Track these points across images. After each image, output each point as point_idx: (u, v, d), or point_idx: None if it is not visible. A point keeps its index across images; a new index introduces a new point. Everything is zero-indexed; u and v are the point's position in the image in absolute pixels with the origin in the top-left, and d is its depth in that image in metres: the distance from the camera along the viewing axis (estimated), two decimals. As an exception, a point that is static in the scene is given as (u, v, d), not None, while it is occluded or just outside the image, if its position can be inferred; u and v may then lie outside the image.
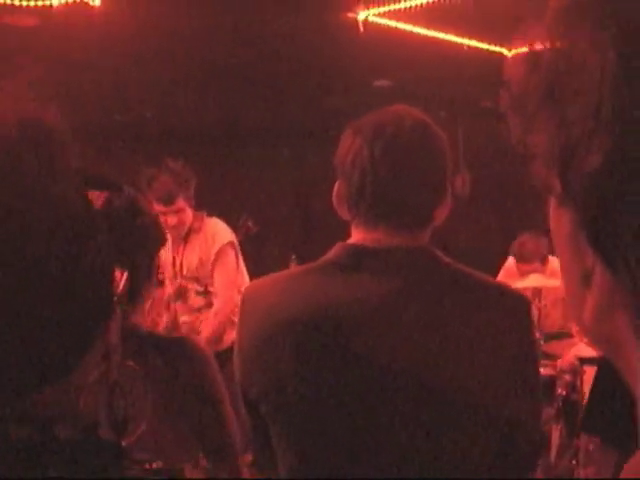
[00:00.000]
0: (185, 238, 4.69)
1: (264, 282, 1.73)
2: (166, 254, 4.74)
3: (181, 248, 4.72)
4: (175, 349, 1.80)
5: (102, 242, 0.84)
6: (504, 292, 1.65)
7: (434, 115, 1.71)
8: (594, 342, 0.59)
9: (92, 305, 0.83)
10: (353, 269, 1.60)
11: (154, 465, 0.81)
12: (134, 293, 1.72)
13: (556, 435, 4.49)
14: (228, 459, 1.86)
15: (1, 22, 5.03)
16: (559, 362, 4.37)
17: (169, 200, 4.46)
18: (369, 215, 1.63)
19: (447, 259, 1.62)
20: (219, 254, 4.64)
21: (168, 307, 4.70)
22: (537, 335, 4.15)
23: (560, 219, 0.56)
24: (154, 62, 5.87)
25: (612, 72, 0.49)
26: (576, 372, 4.28)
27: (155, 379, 1.70)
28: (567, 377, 4.33)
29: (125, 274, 1.00)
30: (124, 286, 0.93)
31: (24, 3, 4.57)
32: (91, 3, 4.53)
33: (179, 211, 4.54)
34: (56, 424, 0.80)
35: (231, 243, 4.71)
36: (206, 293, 4.68)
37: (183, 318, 4.68)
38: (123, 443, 0.82)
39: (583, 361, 4.21)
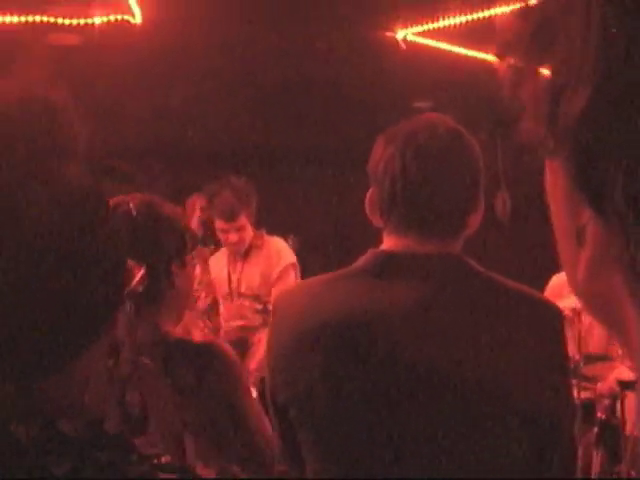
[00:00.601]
0: (245, 255, 4.65)
1: (294, 289, 1.73)
2: (220, 271, 4.73)
3: (239, 265, 4.68)
4: (202, 356, 1.80)
5: (112, 230, 0.82)
6: (536, 301, 1.62)
7: (474, 136, 1.69)
8: (587, 303, 0.56)
9: (99, 293, 0.81)
10: (383, 275, 1.58)
11: (162, 459, 0.79)
12: (152, 294, 1.72)
13: (597, 461, 4.38)
14: (257, 468, 1.85)
15: (45, 42, 5.10)
16: (599, 386, 4.28)
17: (231, 217, 4.44)
18: (400, 221, 1.62)
19: (479, 267, 1.59)
20: (282, 274, 4.60)
21: (206, 321, 4.65)
22: (577, 356, 4.06)
23: (555, 179, 0.54)
24: (194, 81, 5.90)
25: (599, 14, 0.47)
26: (615, 396, 4.17)
27: (181, 385, 1.70)
28: (606, 401, 4.23)
29: (142, 270, 0.99)
30: (139, 282, 0.92)
31: (66, 22, 4.63)
32: (132, 21, 4.59)
33: (240, 228, 4.51)
34: (60, 419, 0.78)
35: (293, 264, 4.68)
36: (265, 312, 4.56)
37: (237, 334, 4.62)
38: (134, 438, 0.80)
39: (624, 385, 4.11)
